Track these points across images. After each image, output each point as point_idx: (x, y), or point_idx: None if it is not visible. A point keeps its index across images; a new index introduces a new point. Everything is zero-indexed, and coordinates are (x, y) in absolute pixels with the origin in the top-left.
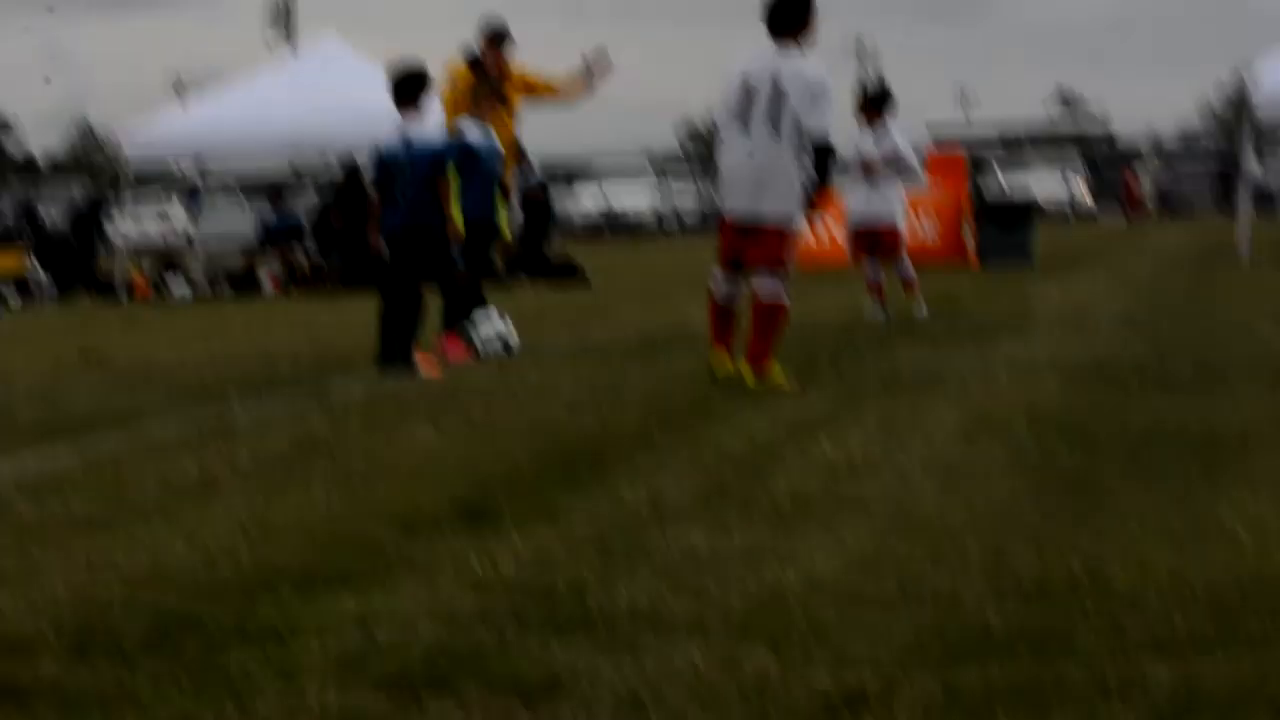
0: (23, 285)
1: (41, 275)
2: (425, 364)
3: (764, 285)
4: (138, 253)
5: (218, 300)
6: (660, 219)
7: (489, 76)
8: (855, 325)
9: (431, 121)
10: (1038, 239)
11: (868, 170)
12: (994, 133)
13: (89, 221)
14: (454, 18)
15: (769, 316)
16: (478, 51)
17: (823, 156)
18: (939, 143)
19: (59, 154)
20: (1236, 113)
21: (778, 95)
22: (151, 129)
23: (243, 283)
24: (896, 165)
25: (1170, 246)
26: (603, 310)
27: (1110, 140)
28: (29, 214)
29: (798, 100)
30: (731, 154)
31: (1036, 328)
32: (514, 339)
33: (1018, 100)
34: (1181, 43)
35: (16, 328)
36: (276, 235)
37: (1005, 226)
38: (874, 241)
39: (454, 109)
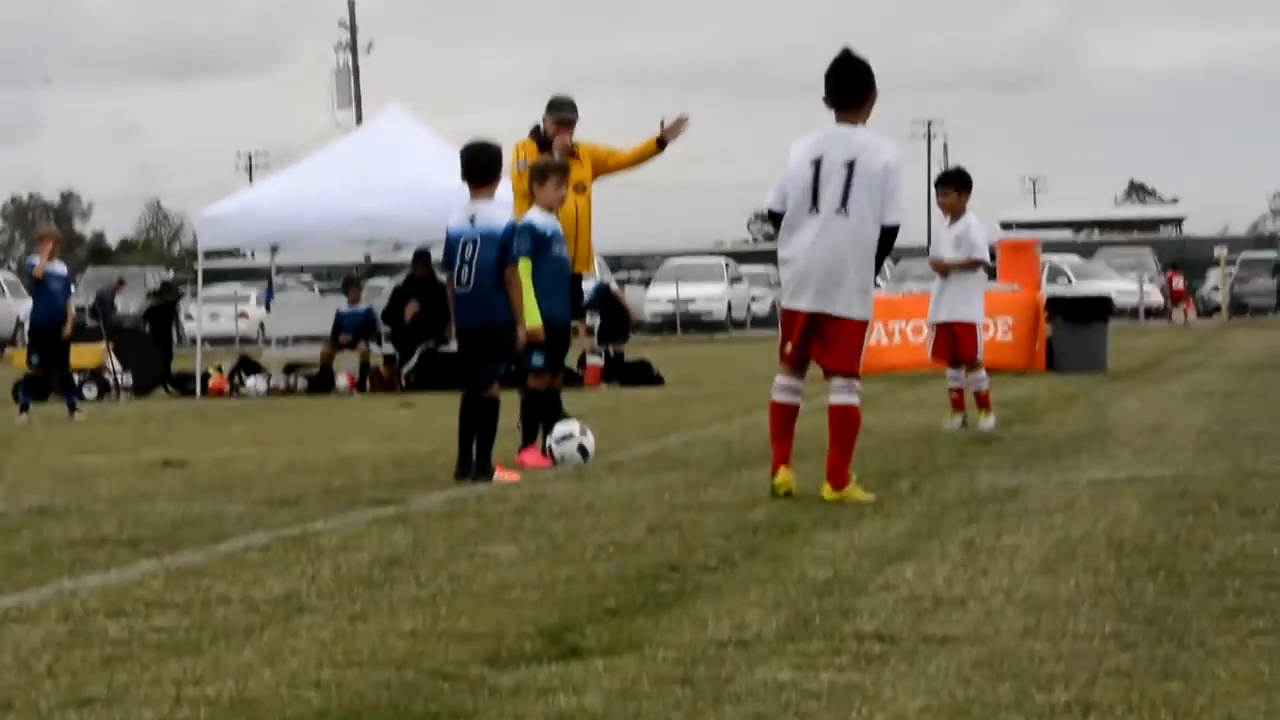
0: (100, 379)
1: (118, 369)
2: (504, 473)
3: (839, 390)
4: (213, 345)
5: (293, 396)
6: (732, 312)
7: (555, 151)
8: (933, 437)
9: (502, 205)
10: (1110, 340)
11: (941, 268)
12: (1064, 226)
13: (164, 314)
14: (519, 91)
15: (845, 425)
16: (543, 129)
17: (890, 239)
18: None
19: (129, 233)
20: None
21: (850, 176)
22: (224, 216)
23: (318, 379)
24: (972, 258)
25: (1247, 352)
26: (678, 412)
27: (1182, 243)
28: (105, 306)
29: (871, 181)
30: (799, 241)
31: (1115, 444)
32: (592, 447)
33: (1089, 193)
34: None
35: (95, 426)
36: (351, 329)
37: (1079, 323)
38: (954, 341)
39: (521, 190)
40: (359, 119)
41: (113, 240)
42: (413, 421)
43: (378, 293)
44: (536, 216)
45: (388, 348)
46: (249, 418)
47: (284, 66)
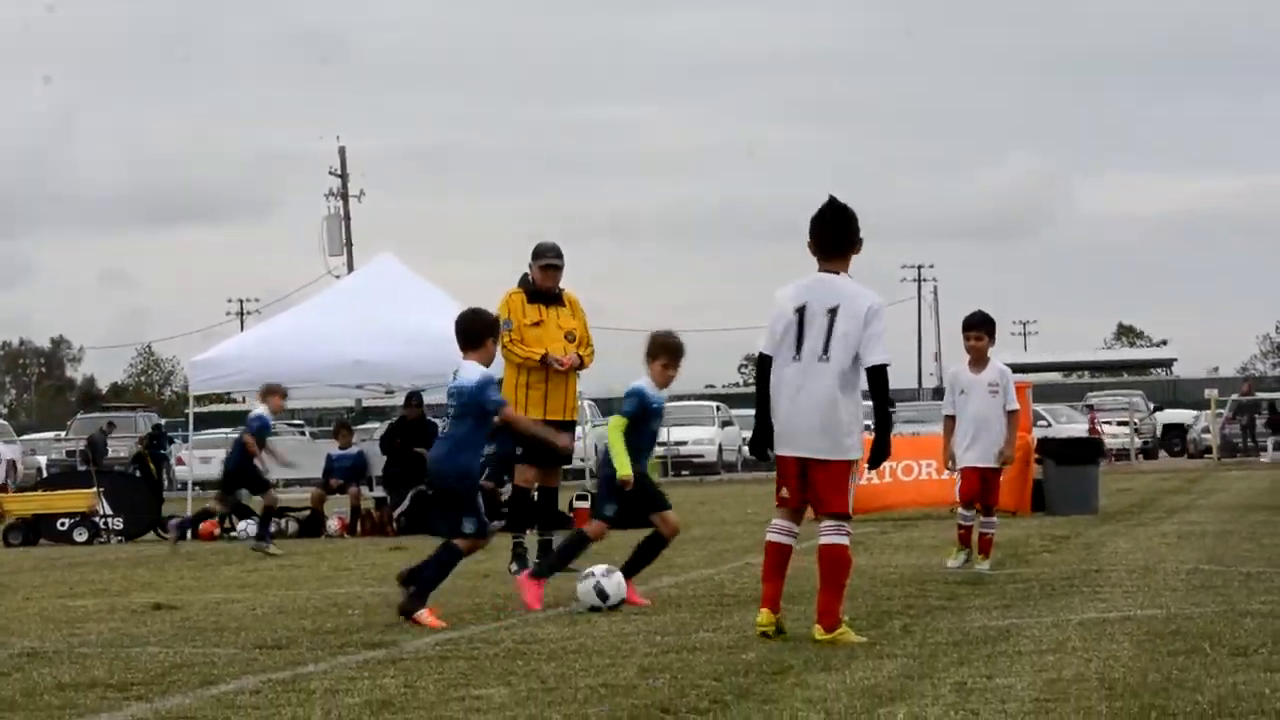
0: (90, 523)
1: (109, 513)
2: (432, 617)
3: (828, 531)
4: (204, 488)
5: (284, 540)
6: (723, 454)
7: (538, 291)
8: (925, 577)
9: (487, 366)
10: (1101, 481)
11: (1006, 461)
12: (1054, 369)
13: (155, 458)
14: (506, 238)
15: (835, 565)
16: (531, 276)
17: (880, 380)
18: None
19: (120, 378)
20: None
21: (832, 323)
22: (215, 361)
23: (309, 522)
24: (1002, 400)
25: (1237, 493)
26: (669, 554)
27: (1173, 384)
28: (96, 450)
29: (853, 326)
30: (785, 388)
31: (1107, 584)
32: (614, 592)
33: (1079, 336)
34: (1240, 279)
35: (86, 569)
36: (342, 472)
37: (1069, 465)
38: (983, 485)
39: (502, 343)
40: (350, 266)
41: (104, 385)
42: (404, 564)
43: (369, 436)
44: (649, 387)
45: (379, 491)
46: (239, 560)
47: (275, 214)
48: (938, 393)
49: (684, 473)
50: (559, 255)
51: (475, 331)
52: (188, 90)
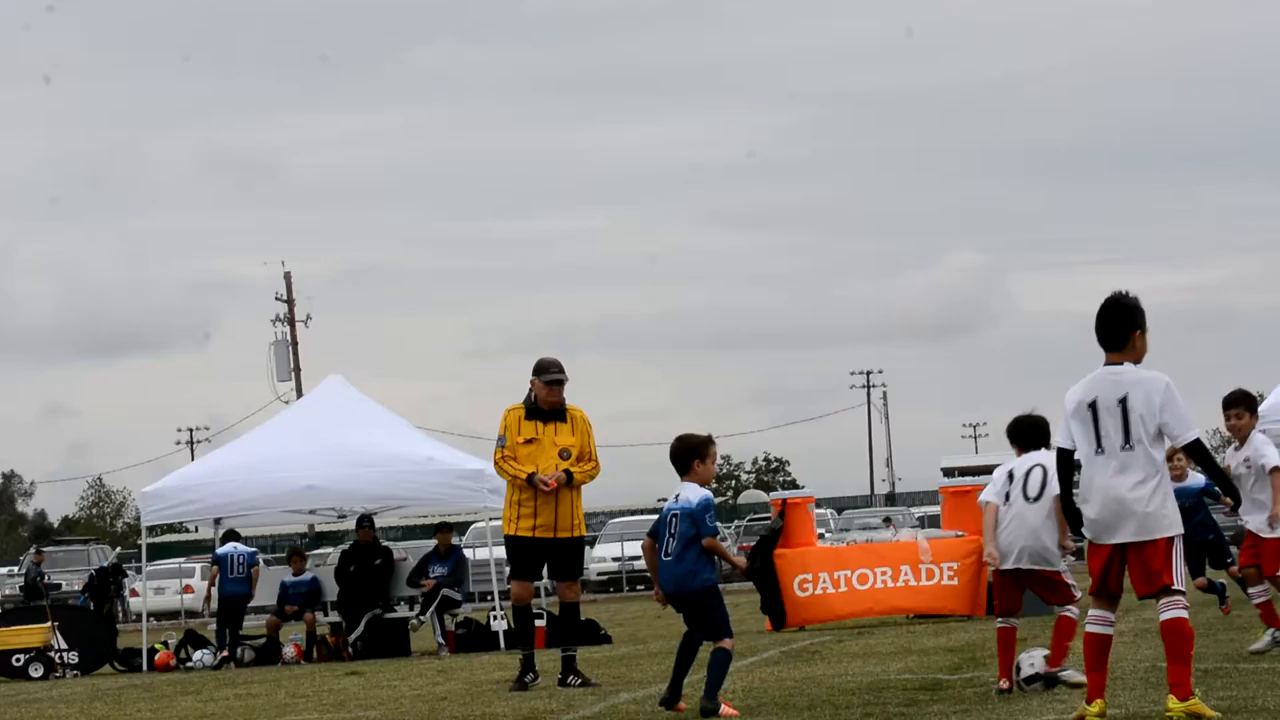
0: (45, 658)
1: (64, 647)
2: (728, 709)
3: (1167, 606)
4: (158, 619)
5: (240, 667)
6: None
7: (538, 408)
8: (883, 685)
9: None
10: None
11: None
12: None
13: (109, 590)
14: (452, 357)
15: (1179, 639)
16: (533, 394)
17: (1201, 453)
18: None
19: (70, 511)
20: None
21: (1126, 412)
22: (166, 492)
23: (265, 650)
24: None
25: (1191, 588)
26: (626, 670)
27: None
28: (48, 585)
29: (1149, 411)
30: (1096, 482)
31: (1064, 685)
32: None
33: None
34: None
35: (43, 704)
36: (296, 599)
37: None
38: (1259, 554)
39: (495, 458)
40: (299, 391)
41: (55, 519)
42: (361, 689)
43: (322, 561)
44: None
45: (334, 616)
46: (196, 691)
47: (218, 341)
48: (889, 499)
49: (639, 587)
50: (561, 370)
51: (682, 458)
52: (121, 220)
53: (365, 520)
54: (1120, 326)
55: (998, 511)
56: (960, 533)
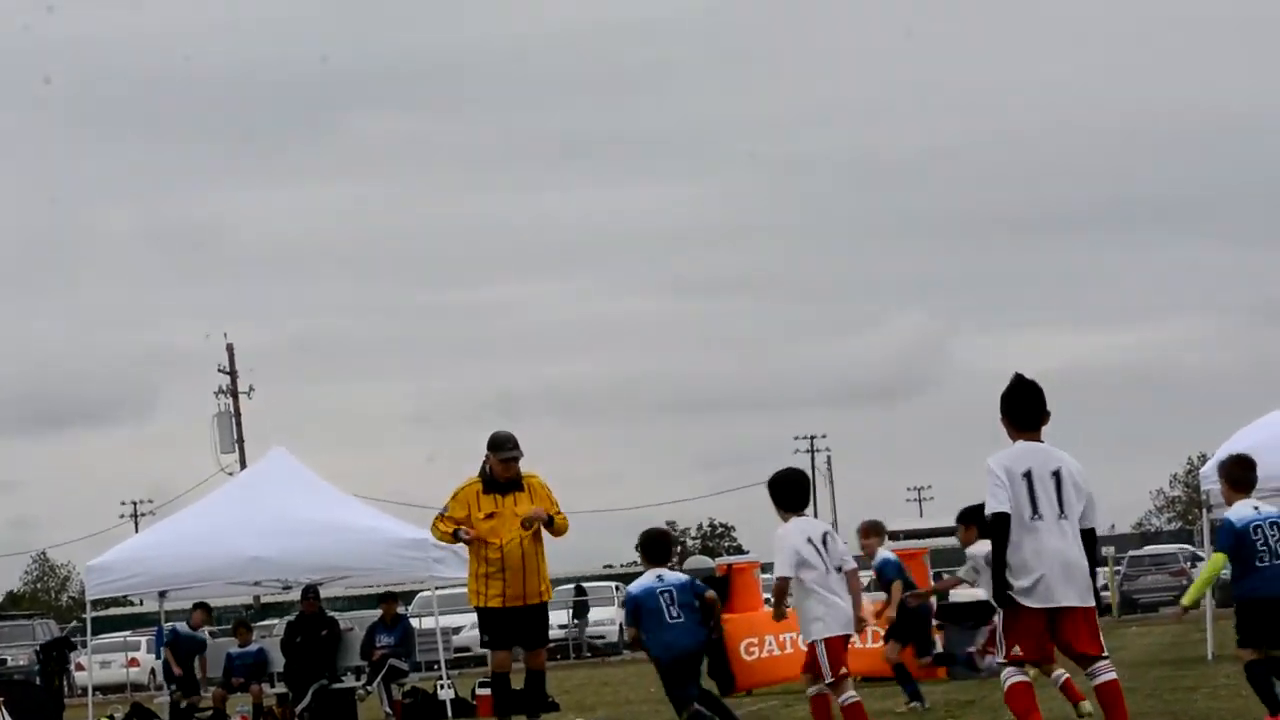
0: None
1: None
2: None
3: (1105, 670)
4: (104, 693)
5: None
6: (624, 635)
7: (495, 481)
8: None
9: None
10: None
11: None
12: (951, 533)
13: (56, 665)
14: (395, 423)
15: (1120, 698)
16: (489, 468)
17: (1094, 543)
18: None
19: (15, 585)
20: (1190, 506)
21: (1059, 484)
22: (110, 565)
23: None
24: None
25: (1138, 649)
26: None
27: None
28: None
29: (1078, 487)
30: (1032, 547)
31: None
32: None
33: (974, 498)
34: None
35: None
36: (243, 670)
37: (970, 628)
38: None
39: (442, 534)
40: (243, 463)
41: None
42: None
43: (268, 632)
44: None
45: (281, 687)
46: None
47: (159, 413)
48: None
49: (585, 654)
50: (515, 445)
51: (662, 544)
52: (62, 291)
53: (310, 591)
54: (1039, 407)
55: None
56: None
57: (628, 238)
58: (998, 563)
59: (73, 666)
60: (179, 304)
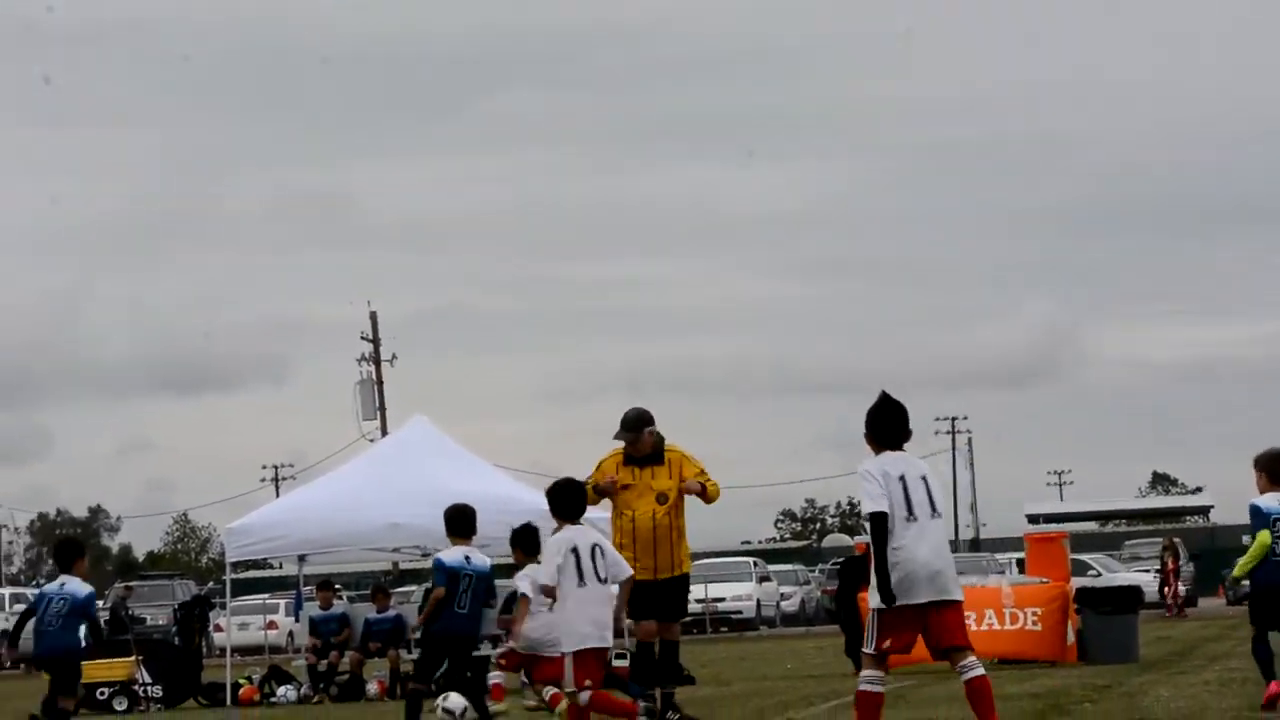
0: (130, 691)
1: (148, 681)
2: None
3: (974, 665)
4: (242, 654)
5: (324, 704)
6: (761, 610)
7: (636, 456)
8: None
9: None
10: (1139, 630)
11: None
12: (1091, 518)
13: (194, 626)
14: (537, 397)
15: (989, 693)
16: (625, 441)
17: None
18: (1035, 526)
19: (156, 546)
20: None
21: (928, 488)
22: (251, 528)
23: (348, 686)
24: None
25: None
26: (710, 712)
27: (1210, 531)
28: (134, 620)
29: (940, 491)
30: (907, 545)
31: None
32: None
33: (1114, 484)
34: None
35: None
36: (380, 636)
37: (1108, 614)
38: None
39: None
40: (384, 430)
41: (140, 554)
42: None
43: (406, 599)
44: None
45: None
46: None
47: (300, 379)
48: (974, 545)
49: (722, 629)
50: (639, 425)
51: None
52: (199, 260)
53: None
54: (903, 425)
55: None
56: (1044, 579)
57: (768, 219)
58: (878, 561)
59: (211, 627)
60: (319, 273)
